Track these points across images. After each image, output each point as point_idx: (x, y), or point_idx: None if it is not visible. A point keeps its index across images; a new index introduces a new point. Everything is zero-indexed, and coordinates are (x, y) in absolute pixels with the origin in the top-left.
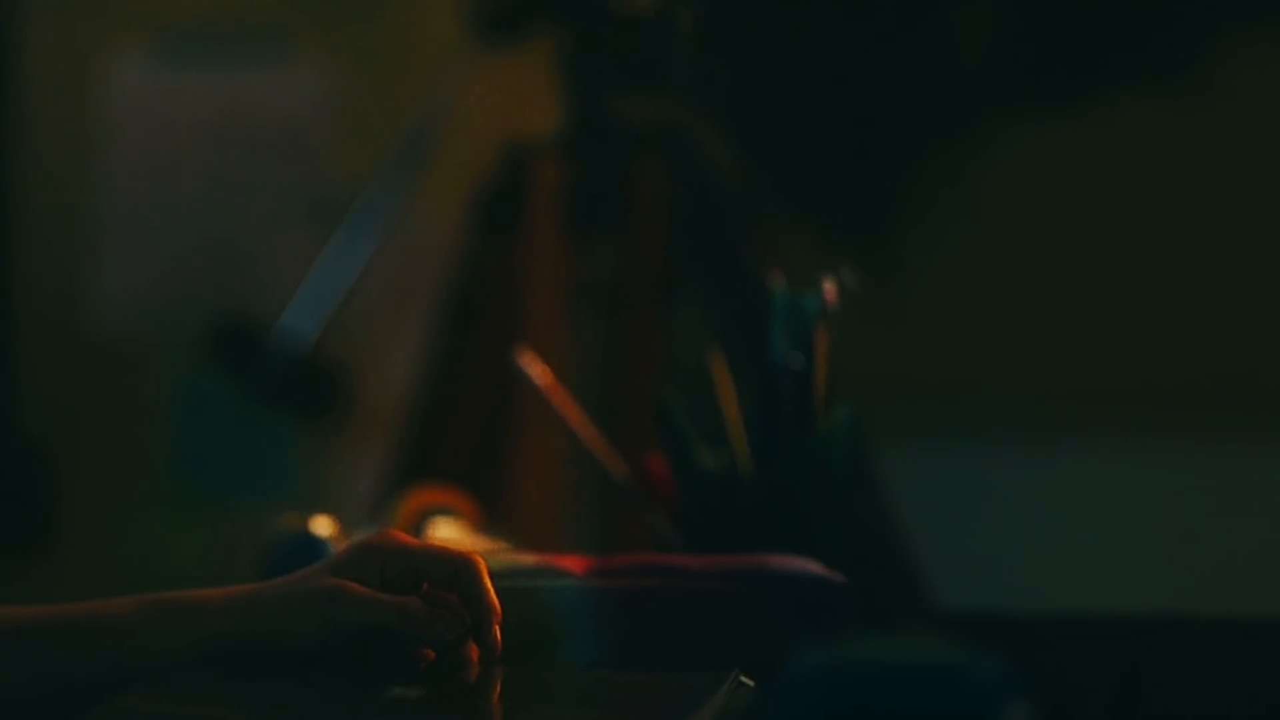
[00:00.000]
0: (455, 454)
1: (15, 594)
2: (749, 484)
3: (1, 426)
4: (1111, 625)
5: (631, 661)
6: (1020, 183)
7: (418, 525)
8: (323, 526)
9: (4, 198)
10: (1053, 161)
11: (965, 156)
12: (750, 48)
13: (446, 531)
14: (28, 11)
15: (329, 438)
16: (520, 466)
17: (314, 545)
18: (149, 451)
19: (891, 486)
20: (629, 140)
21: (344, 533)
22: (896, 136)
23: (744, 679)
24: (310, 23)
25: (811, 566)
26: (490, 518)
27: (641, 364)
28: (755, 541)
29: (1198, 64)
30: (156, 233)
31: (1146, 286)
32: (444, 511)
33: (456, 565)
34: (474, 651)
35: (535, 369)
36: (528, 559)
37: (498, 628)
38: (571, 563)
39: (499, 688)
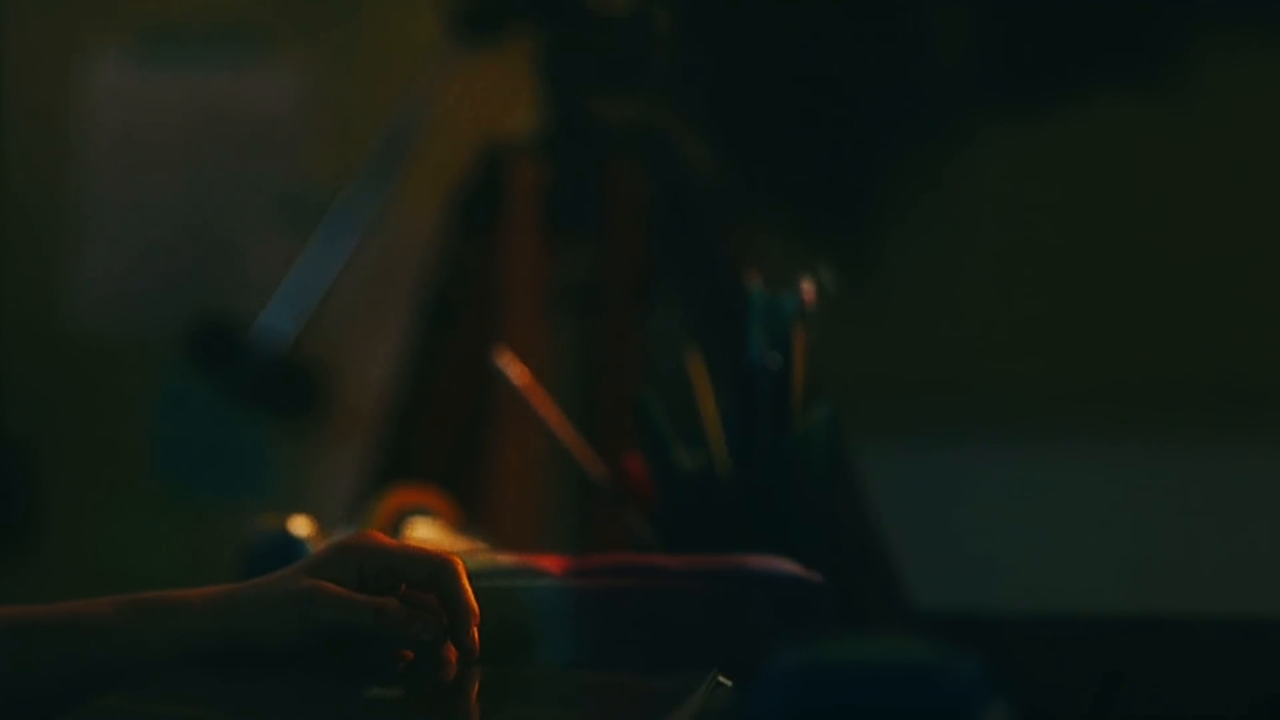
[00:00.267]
0: (433, 454)
1: None
2: (727, 484)
3: None
4: (1090, 625)
5: (609, 661)
6: (998, 183)
7: (396, 525)
8: (301, 526)
9: None
10: (1031, 161)
11: (943, 156)
12: (728, 48)
13: (424, 531)
14: (5, 10)
15: (307, 437)
16: (498, 467)
17: (292, 545)
18: (128, 451)
19: (869, 486)
20: (607, 140)
21: (322, 533)
22: (874, 136)
23: (722, 679)
24: (289, 22)
25: (789, 566)
26: (468, 518)
27: (619, 364)
28: (733, 541)
29: (1175, 64)
30: (136, 232)
31: (1125, 286)
32: (422, 511)
33: (435, 566)
34: (452, 652)
35: (513, 369)
36: (506, 559)
37: (476, 629)
38: (550, 563)
39: (477, 688)
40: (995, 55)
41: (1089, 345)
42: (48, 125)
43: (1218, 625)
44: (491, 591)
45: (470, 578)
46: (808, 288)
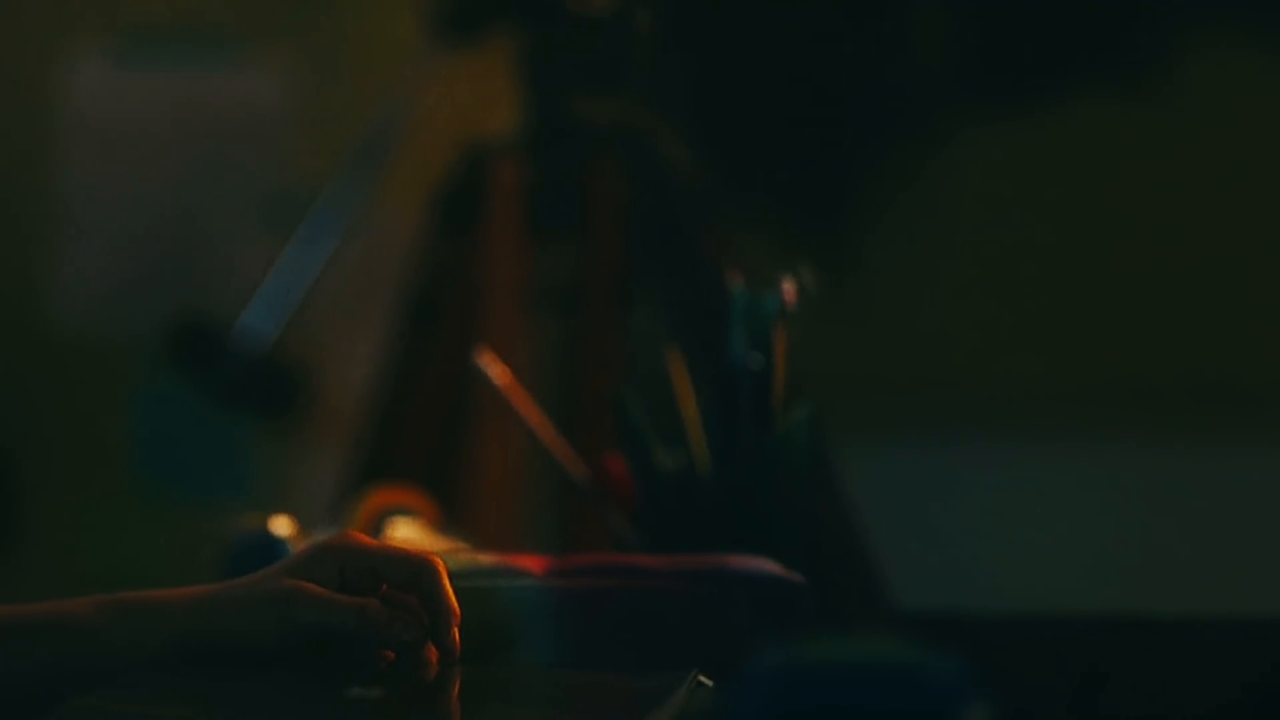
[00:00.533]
0: (414, 454)
1: None
2: (708, 484)
3: None
4: (1071, 625)
5: (590, 661)
6: (979, 182)
7: (377, 525)
8: (282, 526)
9: None
10: (1012, 161)
11: (924, 156)
12: (709, 48)
13: (405, 531)
14: None
15: (289, 437)
16: (479, 466)
17: (273, 545)
18: (109, 450)
19: (851, 486)
20: (588, 140)
21: (303, 533)
22: (855, 136)
23: (703, 679)
24: (270, 22)
25: (770, 566)
26: (449, 518)
27: (600, 364)
28: (714, 541)
29: (1156, 63)
30: (116, 232)
31: (1106, 286)
32: (403, 511)
33: (415, 567)
34: (433, 652)
35: (494, 369)
36: (487, 559)
37: (456, 630)
38: (530, 562)
39: (458, 688)
40: (976, 55)
41: (1070, 345)
42: (30, 125)
43: (1199, 625)
44: (472, 591)
45: (451, 578)
46: (789, 287)
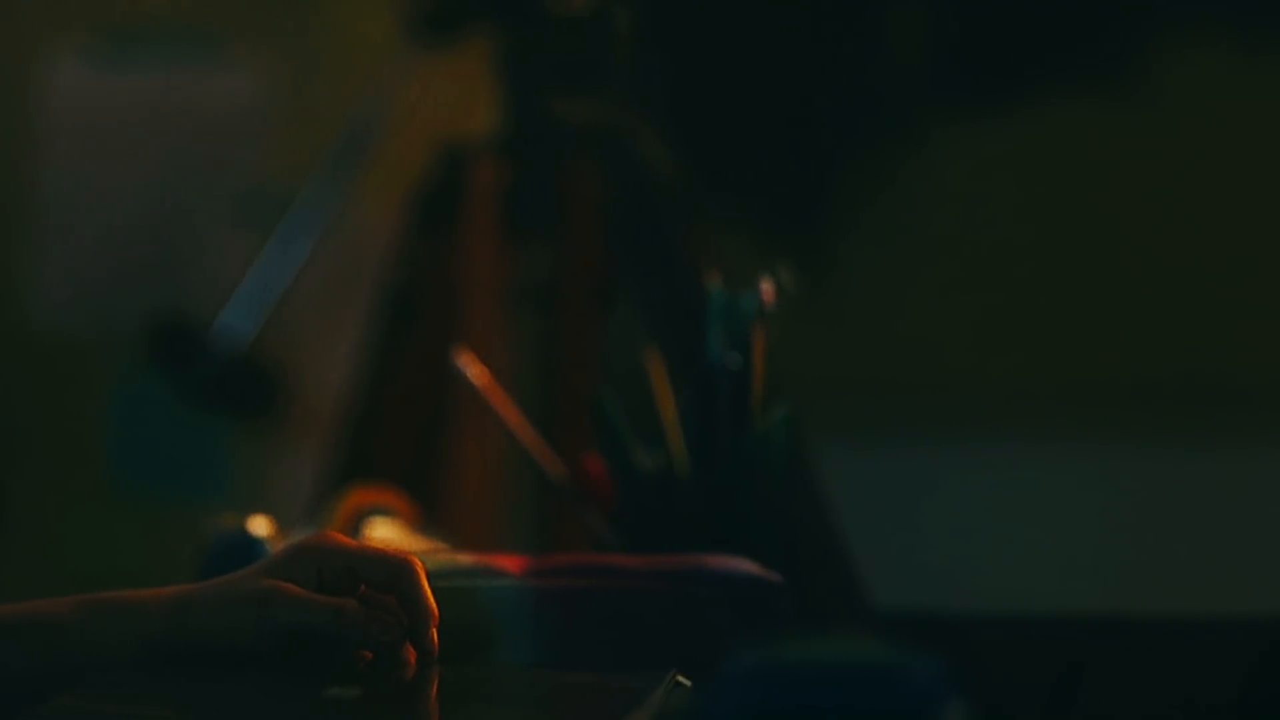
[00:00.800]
0: (393, 454)
1: None
2: (686, 484)
3: None
4: (1049, 625)
5: (569, 661)
6: (956, 182)
7: (355, 525)
8: (260, 526)
9: None
10: (988, 161)
11: (901, 156)
12: (687, 48)
13: (384, 531)
14: None
15: (266, 437)
16: (458, 466)
17: (251, 545)
18: (87, 450)
19: (829, 486)
20: (566, 140)
21: (281, 533)
22: (832, 136)
23: (681, 679)
24: (248, 21)
25: (748, 566)
26: (428, 518)
27: (578, 364)
28: (692, 541)
29: (1132, 63)
30: (94, 231)
31: (1084, 285)
32: (381, 511)
33: (394, 567)
34: (412, 652)
35: (473, 368)
36: (465, 559)
37: (435, 630)
38: (509, 562)
39: (437, 688)
40: (952, 55)
41: (1048, 345)
42: (8, 123)
43: (1180, 625)
44: (451, 591)
45: (430, 578)
46: (767, 288)
